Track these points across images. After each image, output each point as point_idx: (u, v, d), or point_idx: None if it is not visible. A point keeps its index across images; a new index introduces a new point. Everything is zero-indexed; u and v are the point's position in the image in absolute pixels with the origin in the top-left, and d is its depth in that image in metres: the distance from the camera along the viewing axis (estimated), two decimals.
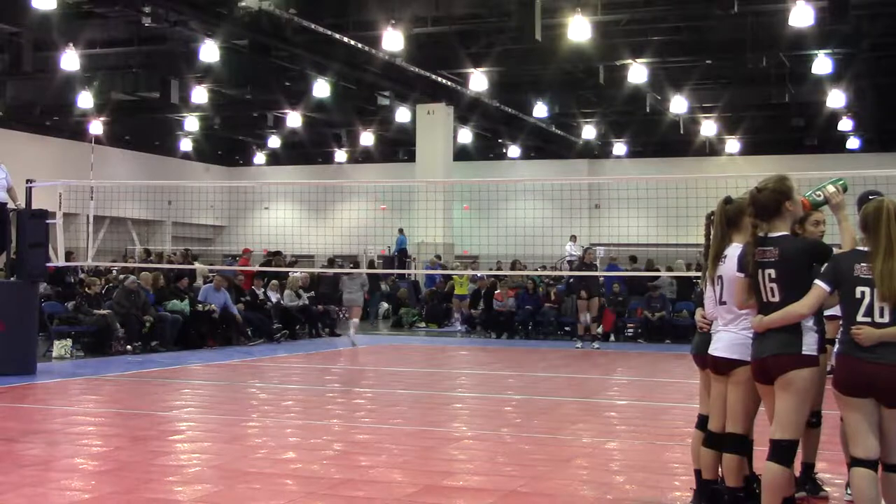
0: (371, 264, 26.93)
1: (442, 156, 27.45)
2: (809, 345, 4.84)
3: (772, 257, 4.94)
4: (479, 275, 23.65)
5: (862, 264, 4.72)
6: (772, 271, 4.93)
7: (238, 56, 23.29)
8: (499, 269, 25.04)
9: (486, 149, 35.73)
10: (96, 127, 29.74)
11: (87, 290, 16.60)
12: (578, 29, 18.45)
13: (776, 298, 4.93)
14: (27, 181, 13.73)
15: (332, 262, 26.68)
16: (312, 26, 19.73)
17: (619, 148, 35.02)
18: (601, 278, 19.60)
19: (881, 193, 4.95)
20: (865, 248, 4.76)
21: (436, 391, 12.40)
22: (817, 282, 4.80)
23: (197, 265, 21.40)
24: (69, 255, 17.27)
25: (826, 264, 4.89)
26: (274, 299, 19.86)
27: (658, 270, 21.87)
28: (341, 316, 23.68)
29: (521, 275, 22.14)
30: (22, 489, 6.31)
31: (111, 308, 16.08)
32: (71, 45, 21.08)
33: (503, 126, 31.22)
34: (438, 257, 26.05)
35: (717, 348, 5.32)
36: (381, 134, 33.88)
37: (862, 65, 23.26)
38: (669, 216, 20.38)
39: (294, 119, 29.51)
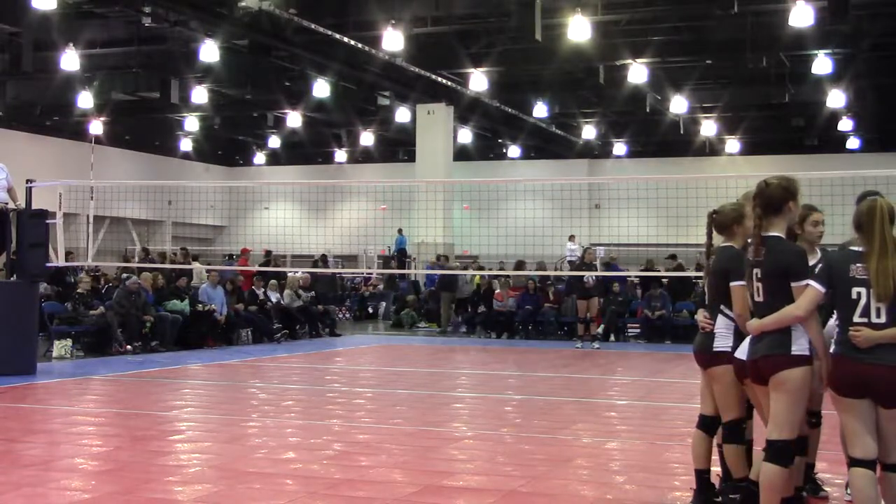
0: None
1: (442, 156, 27.45)
2: (801, 345, 4.83)
3: (760, 256, 4.95)
4: (486, 275, 23.64)
5: (857, 265, 4.71)
6: (758, 270, 4.94)
7: (238, 56, 23.29)
8: (501, 269, 25.05)
9: (486, 149, 35.73)
10: (96, 127, 29.71)
11: (78, 289, 16.61)
12: (578, 29, 18.46)
13: (761, 299, 4.94)
14: (27, 181, 13.73)
15: (324, 260, 26.55)
16: (312, 26, 19.74)
17: (619, 148, 35.01)
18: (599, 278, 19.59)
19: (880, 194, 4.94)
20: (859, 248, 4.76)
21: (436, 391, 12.40)
22: (812, 283, 4.78)
23: (196, 265, 21.39)
24: (69, 255, 17.26)
25: (820, 265, 4.89)
26: (274, 299, 19.87)
27: (658, 270, 21.88)
28: (340, 316, 23.75)
29: (524, 275, 22.14)
30: (22, 489, 6.31)
31: (111, 308, 16.09)
32: (71, 45, 21.08)
33: (503, 126, 31.22)
34: (445, 258, 26.01)
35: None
36: (381, 134, 33.88)
37: (862, 65, 23.26)
38: (669, 216, 20.41)
39: (294, 119, 29.50)
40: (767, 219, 4.98)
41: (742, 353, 5.21)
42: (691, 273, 19.24)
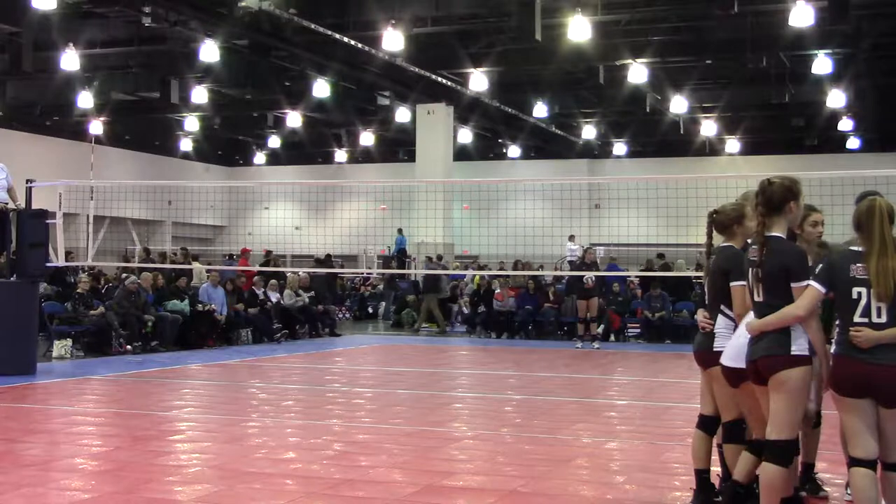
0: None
1: (442, 156, 27.44)
2: (800, 345, 4.82)
3: (761, 257, 4.94)
4: (486, 275, 23.66)
5: (857, 265, 4.72)
6: (759, 271, 4.94)
7: (238, 56, 23.30)
8: (501, 268, 25.05)
9: (486, 149, 35.72)
10: (96, 127, 29.72)
11: (78, 289, 16.61)
12: (578, 29, 18.46)
13: (761, 298, 4.94)
14: (27, 181, 13.74)
15: (327, 260, 26.44)
16: (312, 26, 19.73)
17: (619, 148, 35.02)
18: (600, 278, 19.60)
19: (880, 194, 4.95)
20: (859, 248, 4.76)
21: (436, 391, 12.41)
22: (812, 283, 4.78)
23: (196, 265, 21.40)
24: (69, 255, 17.26)
25: (820, 265, 4.89)
26: (274, 299, 19.88)
27: (658, 270, 21.88)
28: (340, 316, 23.70)
29: (523, 274, 22.14)
30: (22, 489, 6.31)
31: (111, 308, 16.09)
32: (71, 45, 21.08)
33: (503, 126, 31.22)
34: (440, 257, 26.05)
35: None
36: (381, 134, 33.87)
37: (862, 65, 23.25)
38: (669, 216, 20.38)
39: (294, 119, 29.50)
40: (769, 218, 4.98)
41: (728, 359, 5.23)
42: (691, 273, 19.24)
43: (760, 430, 5.25)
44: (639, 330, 20.35)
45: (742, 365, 5.11)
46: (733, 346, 5.22)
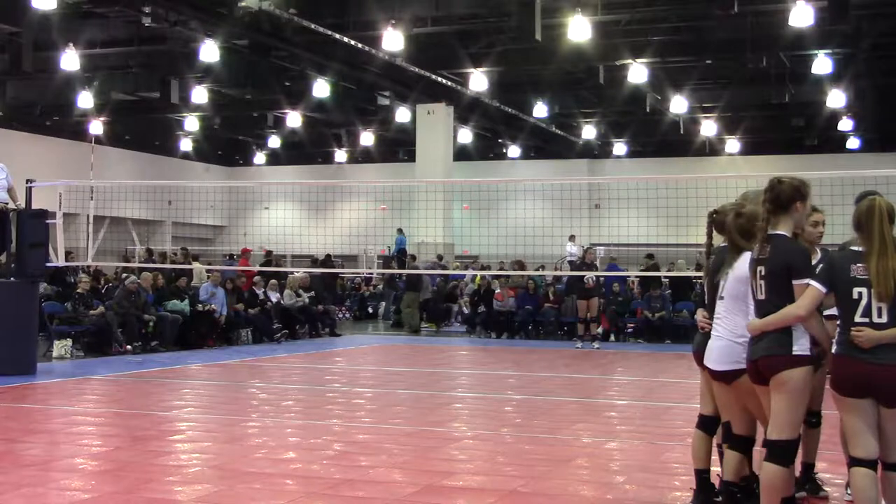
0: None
1: (442, 156, 27.44)
2: (802, 345, 4.82)
3: (765, 254, 4.95)
4: (487, 276, 23.65)
5: (858, 264, 4.72)
6: (762, 268, 4.94)
7: (238, 56, 23.30)
8: (501, 268, 25.05)
9: (486, 149, 35.72)
10: (96, 127, 29.72)
11: (78, 289, 16.62)
12: (578, 29, 18.46)
13: (763, 297, 4.94)
14: (27, 181, 13.74)
15: (327, 261, 26.42)
16: (312, 26, 19.73)
17: (619, 148, 35.02)
18: (601, 278, 19.60)
19: (880, 194, 4.95)
20: (860, 248, 4.76)
21: (436, 391, 12.41)
22: (813, 283, 4.78)
23: (196, 265, 21.40)
24: (69, 255, 17.24)
25: (821, 265, 4.89)
26: (274, 299, 19.88)
27: (647, 270, 21.87)
28: (340, 316, 23.66)
29: (523, 274, 22.14)
30: (22, 489, 6.31)
31: (111, 308, 16.09)
32: (71, 45, 21.09)
33: (503, 126, 31.22)
34: (440, 257, 26.05)
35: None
36: (381, 134, 33.87)
37: (862, 65, 23.26)
38: (669, 216, 20.39)
39: (294, 119, 29.50)
40: (775, 216, 4.99)
41: (710, 361, 5.26)
42: (691, 273, 19.24)
43: (743, 428, 5.32)
44: (633, 328, 20.28)
45: (724, 367, 5.17)
46: (712, 347, 5.26)
